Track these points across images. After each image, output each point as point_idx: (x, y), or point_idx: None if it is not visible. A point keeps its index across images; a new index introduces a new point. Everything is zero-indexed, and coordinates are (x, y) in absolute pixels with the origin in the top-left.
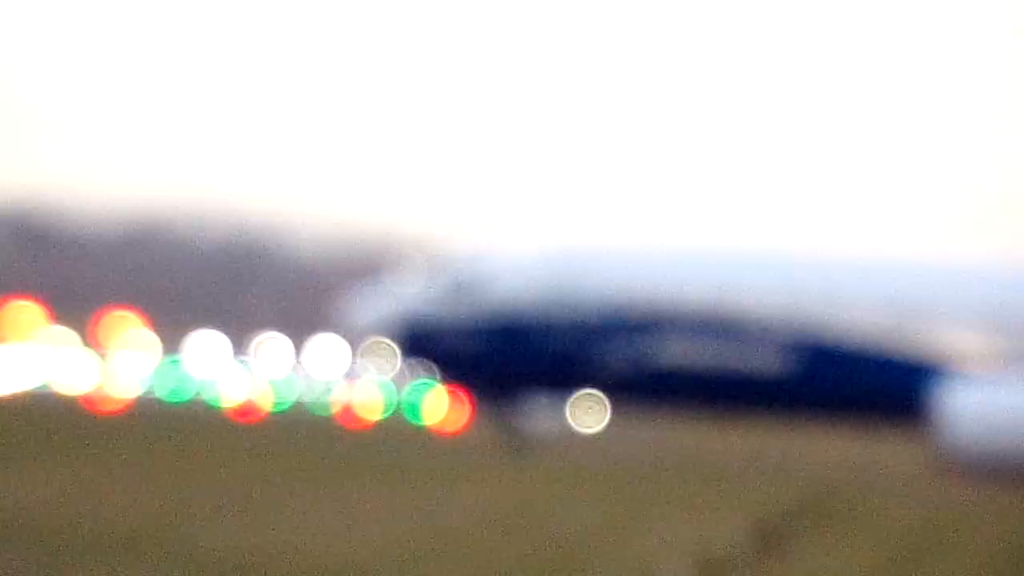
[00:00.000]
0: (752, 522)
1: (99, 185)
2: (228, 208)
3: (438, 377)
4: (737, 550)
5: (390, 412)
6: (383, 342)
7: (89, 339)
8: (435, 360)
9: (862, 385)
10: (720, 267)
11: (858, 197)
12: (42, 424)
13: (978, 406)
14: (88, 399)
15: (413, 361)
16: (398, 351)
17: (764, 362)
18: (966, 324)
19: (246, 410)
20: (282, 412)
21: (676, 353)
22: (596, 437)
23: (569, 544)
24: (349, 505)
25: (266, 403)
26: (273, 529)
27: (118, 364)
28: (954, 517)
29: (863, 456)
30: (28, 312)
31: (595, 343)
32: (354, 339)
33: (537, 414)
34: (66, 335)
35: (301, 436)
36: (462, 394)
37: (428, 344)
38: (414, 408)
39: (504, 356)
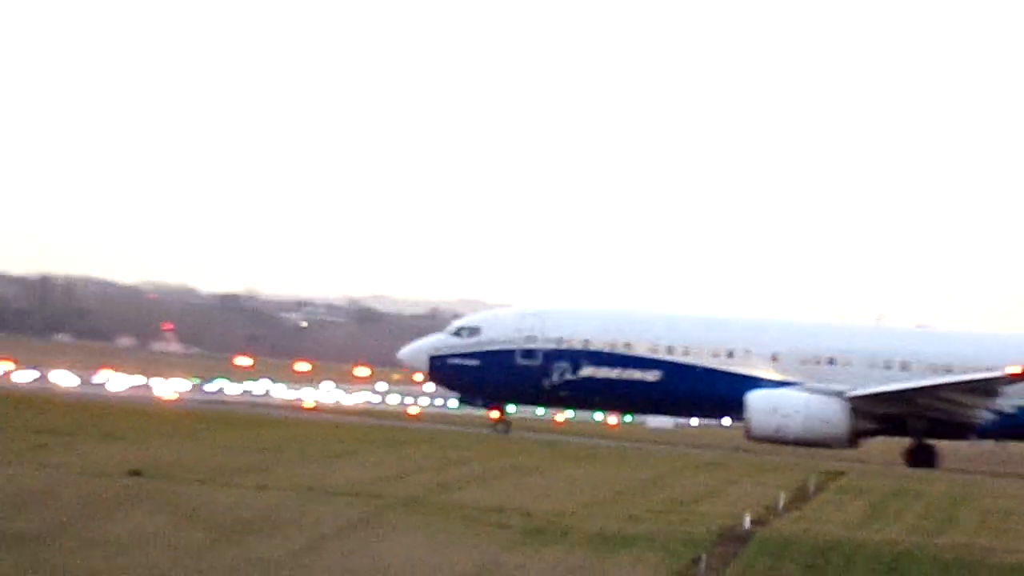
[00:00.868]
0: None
1: None
2: None
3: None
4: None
5: None
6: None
7: None
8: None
9: (704, 389)
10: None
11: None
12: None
13: (764, 402)
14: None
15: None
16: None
17: (646, 376)
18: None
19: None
20: None
21: (591, 372)
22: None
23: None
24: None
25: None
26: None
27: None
28: (909, 484)
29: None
30: None
31: (545, 367)
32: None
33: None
34: None
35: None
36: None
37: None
38: None
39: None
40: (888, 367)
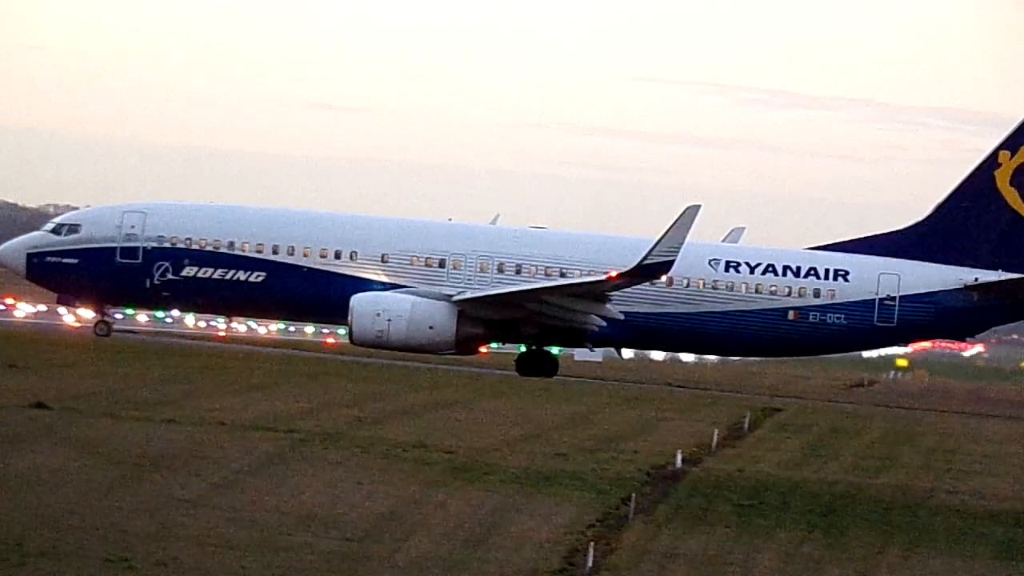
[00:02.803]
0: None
1: None
2: None
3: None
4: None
5: None
6: None
7: None
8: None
9: (311, 291)
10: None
11: None
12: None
13: (367, 305)
14: None
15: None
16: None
17: (250, 277)
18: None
19: None
20: None
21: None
22: None
23: (613, 435)
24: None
25: None
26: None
27: None
28: (848, 423)
29: None
30: None
31: (146, 267)
32: None
33: None
34: None
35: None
36: None
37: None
38: None
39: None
40: (501, 270)
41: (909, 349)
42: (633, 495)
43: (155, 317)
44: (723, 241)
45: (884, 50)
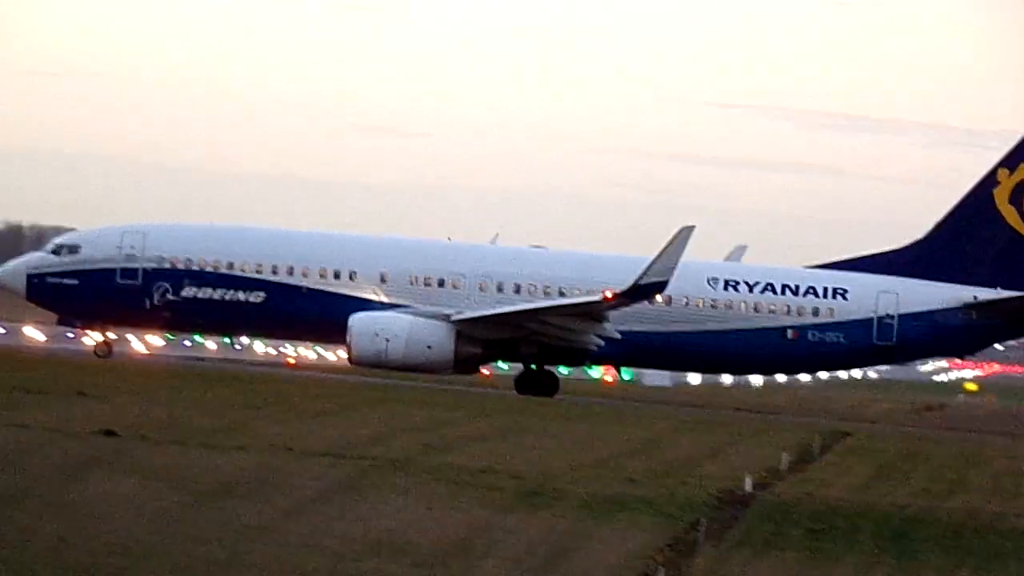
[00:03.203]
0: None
1: None
2: None
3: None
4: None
5: None
6: None
7: None
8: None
9: (310, 311)
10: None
11: None
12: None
13: (366, 324)
14: None
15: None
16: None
17: (250, 298)
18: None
19: None
20: None
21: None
22: None
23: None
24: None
25: None
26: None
27: None
28: (918, 446)
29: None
30: None
31: (145, 287)
32: None
33: None
34: None
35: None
36: None
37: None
38: None
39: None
40: (500, 289)
41: (979, 372)
42: (703, 520)
43: (223, 343)
44: (726, 259)
45: (953, 74)
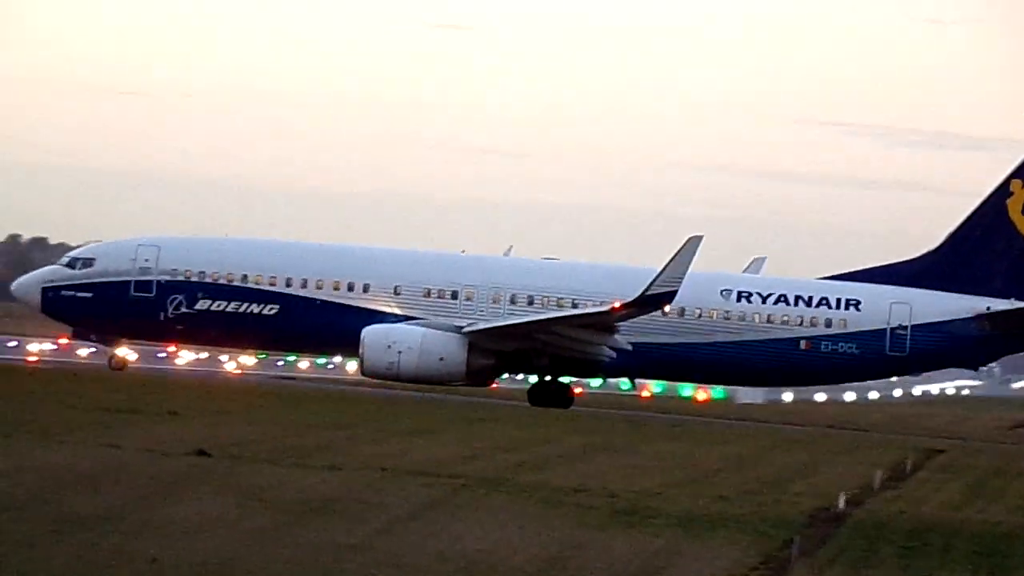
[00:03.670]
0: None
1: None
2: None
3: None
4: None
5: None
6: None
7: None
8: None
9: (324, 323)
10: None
11: None
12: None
13: (378, 337)
14: None
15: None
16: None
17: (263, 310)
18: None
19: None
20: None
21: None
22: None
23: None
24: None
25: None
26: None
27: None
28: (1011, 463)
29: None
30: None
31: (160, 300)
32: None
33: None
34: None
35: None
36: None
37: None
38: None
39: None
40: (514, 301)
41: None
42: (796, 538)
43: (316, 364)
44: (744, 271)
45: None
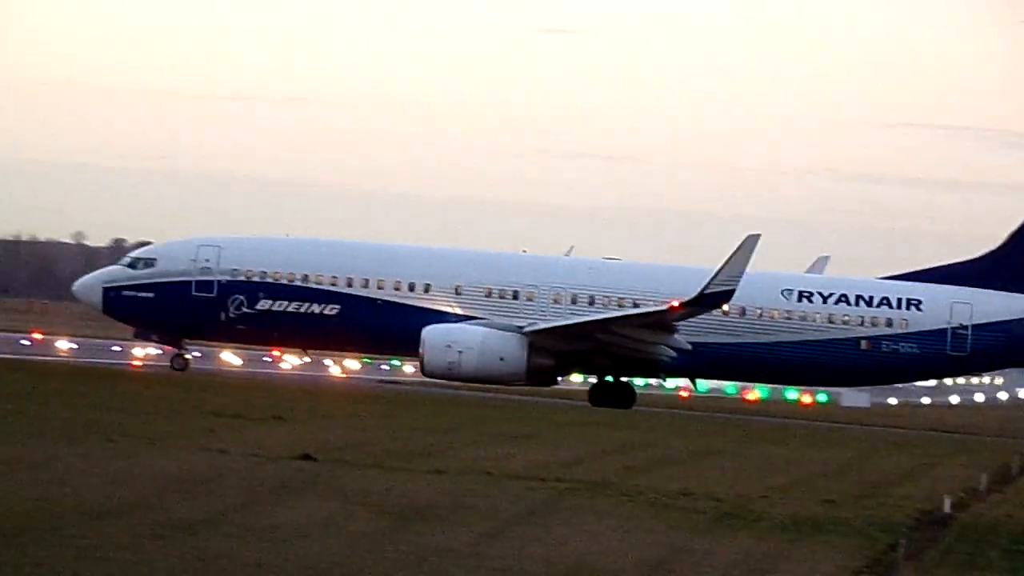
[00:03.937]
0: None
1: None
2: None
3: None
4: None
5: None
6: None
7: None
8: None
9: (385, 323)
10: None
11: None
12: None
13: (439, 336)
14: None
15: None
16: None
17: (324, 310)
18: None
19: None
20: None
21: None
22: None
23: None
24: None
25: None
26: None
27: None
28: None
29: None
30: None
31: (221, 300)
32: None
33: None
34: None
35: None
36: None
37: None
38: None
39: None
40: (575, 301)
41: None
42: (901, 541)
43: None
44: (807, 271)
45: None
